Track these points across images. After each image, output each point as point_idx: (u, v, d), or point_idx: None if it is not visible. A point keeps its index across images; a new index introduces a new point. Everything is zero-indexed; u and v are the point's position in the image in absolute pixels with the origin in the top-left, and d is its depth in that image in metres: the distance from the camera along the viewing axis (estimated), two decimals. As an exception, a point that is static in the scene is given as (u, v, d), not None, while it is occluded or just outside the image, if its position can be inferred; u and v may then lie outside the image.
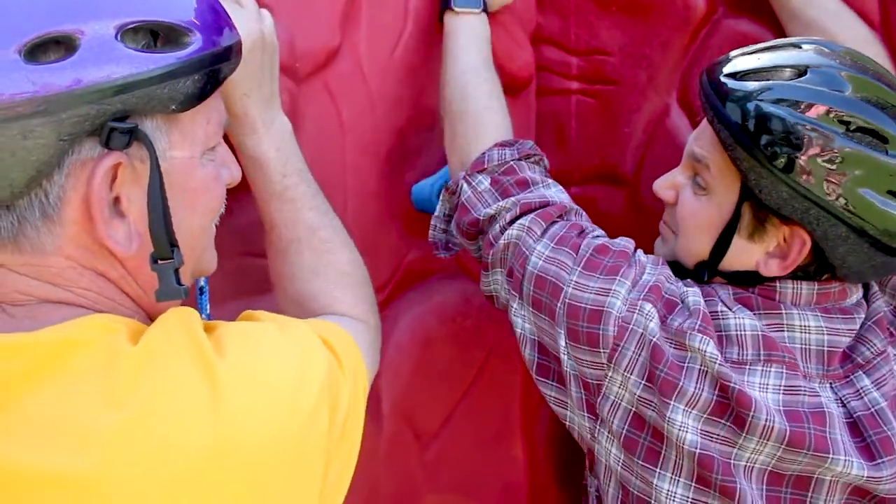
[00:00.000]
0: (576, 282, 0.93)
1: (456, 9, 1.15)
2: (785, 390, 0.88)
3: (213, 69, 0.68)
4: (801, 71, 0.90)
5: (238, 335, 0.68)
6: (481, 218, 1.02)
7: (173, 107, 0.66)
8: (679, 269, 1.01)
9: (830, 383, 0.91)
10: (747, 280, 0.96)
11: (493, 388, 1.36)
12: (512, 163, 1.04)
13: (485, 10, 1.16)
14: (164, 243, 0.67)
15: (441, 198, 1.12)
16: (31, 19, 0.59)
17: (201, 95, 0.68)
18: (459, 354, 1.32)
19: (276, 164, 0.92)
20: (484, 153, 1.05)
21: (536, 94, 1.39)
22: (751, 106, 0.89)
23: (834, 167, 0.86)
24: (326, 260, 0.94)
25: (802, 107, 0.87)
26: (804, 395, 0.88)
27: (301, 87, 1.10)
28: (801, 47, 0.93)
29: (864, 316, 0.95)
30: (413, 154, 1.25)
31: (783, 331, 0.92)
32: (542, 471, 1.45)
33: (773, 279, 0.93)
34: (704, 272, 0.98)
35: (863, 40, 1.11)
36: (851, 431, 0.89)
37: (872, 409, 0.89)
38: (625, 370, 0.90)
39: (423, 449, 1.31)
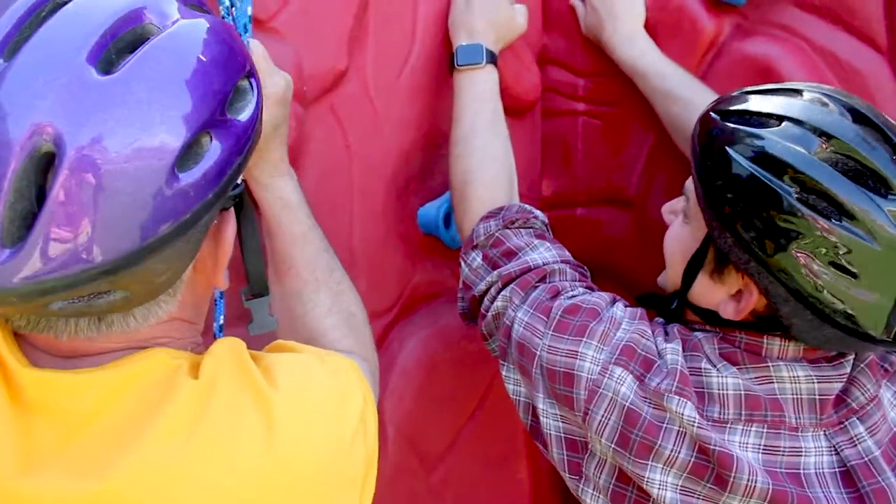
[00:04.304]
0: (548, 345, 0.93)
1: (459, 66, 1.16)
2: (764, 450, 0.86)
3: (262, 100, 0.70)
4: (778, 121, 0.85)
5: (287, 367, 0.71)
6: (477, 294, 1.05)
7: (254, 148, 0.68)
8: (661, 301, 1.01)
9: (824, 431, 0.89)
10: (711, 319, 0.94)
11: (497, 412, 1.35)
12: (497, 234, 1.05)
13: (491, 60, 1.17)
14: (263, 280, 0.70)
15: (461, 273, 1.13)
16: (166, 138, 0.58)
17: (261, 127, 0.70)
18: (464, 378, 1.32)
19: (301, 205, 0.94)
20: (473, 230, 1.08)
21: (542, 116, 1.40)
22: (715, 144, 0.87)
23: (775, 226, 0.82)
24: (339, 301, 0.96)
25: (760, 159, 0.83)
26: (783, 455, 0.86)
27: (308, 111, 1.10)
28: (801, 94, 0.88)
29: (853, 358, 0.92)
30: (419, 176, 1.25)
31: (772, 383, 0.88)
32: (546, 494, 1.45)
33: (761, 335, 0.90)
34: (675, 300, 0.98)
35: None
36: (844, 481, 0.87)
37: (866, 459, 0.87)
38: (595, 432, 0.89)
39: (428, 473, 1.30)
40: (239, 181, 0.66)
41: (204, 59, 0.62)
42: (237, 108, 0.65)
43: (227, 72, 0.63)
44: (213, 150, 0.61)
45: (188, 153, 0.59)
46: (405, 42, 1.20)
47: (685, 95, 1.18)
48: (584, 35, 1.34)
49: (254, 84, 0.67)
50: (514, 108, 1.31)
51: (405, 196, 1.24)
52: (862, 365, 0.92)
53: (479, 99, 1.15)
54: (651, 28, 1.29)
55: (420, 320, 1.28)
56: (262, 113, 0.68)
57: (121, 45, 0.59)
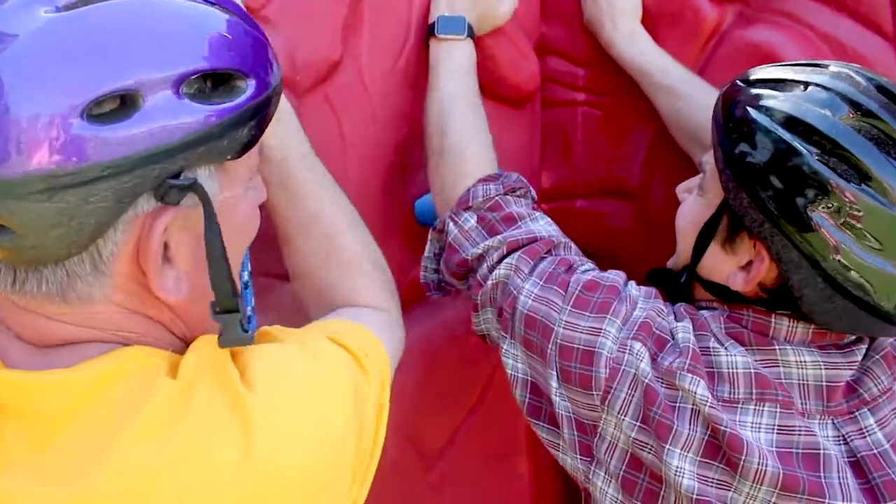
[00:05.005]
0: (566, 321, 0.90)
1: (439, 35, 1.13)
2: (779, 430, 0.84)
3: (266, 112, 0.65)
4: (804, 86, 0.85)
5: (264, 363, 0.67)
6: (469, 258, 1.00)
7: (229, 157, 0.64)
8: (669, 276, 0.99)
9: (833, 420, 0.87)
10: (720, 293, 0.93)
11: (498, 406, 1.33)
12: (497, 198, 1.01)
13: (471, 35, 1.14)
14: (228, 295, 0.64)
15: (429, 237, 1.09)
16: (91, 76, 0.55)
17: (254, 141, 0.65)
18: (464, 372, 1.30)
19: (271, 149, 0.88)
20: (468, 190, 1.03)
21: (542, 106, 1.38)
22: (739, 107, 0.87)
23: (793, 185, 0.81)
24: (334, 249, 0.92)
25: (782, 119, 0.83)
26: (799, 434, 0.84)
27: (302, 101, 1.09)
28: (827, 67, 0.88)
29: (865, 348, 0.89)
30: (416, 167, 1.23)
31: (778, 367, 0.87)
32: (547, 488, 1.43)
33: (769, 313, 0.89)
34: (685, 273, 0.96)
35: None
36: (855, 472, 0.85)
37: (876, 451, 0.85)
38: (619, 412, 0.87)
39: (428, 468, 1.29)
40: (189, 180, 0.60)
41: (173, 29, 0.59)
42: (211, 98, 0.60)
43: (204, 54, 0.60)
44: (142, 116, 0.56)
45: (107, 104, 0.55)
46: (400, 31, 1.18)
47: (689, 92, 1.17)
48: (584, 24, 1.32)
49: (249, 87, 0.62)
50: (512, 98, 1.29)
51: (401, 188, 1.22)
52: (877, 356, 0.90)
53: (459, 72, 1.12)
54: (653, 17, 1.27)
55: (418, 314, 1.26)
56: (245, 121, 0.63)
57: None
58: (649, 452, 0.86)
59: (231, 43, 0.62)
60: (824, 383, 0.86)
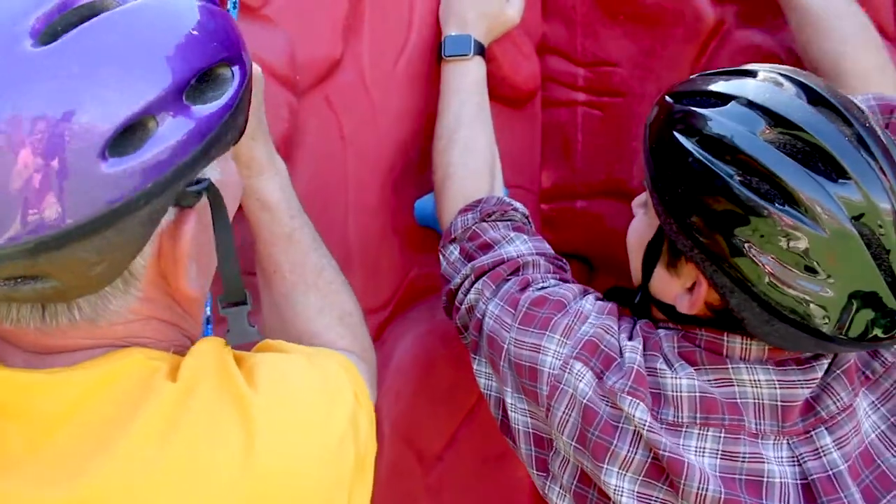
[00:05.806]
0: (515, 339, 0.90)
1: (446, 57, 1.15)
2: (723, 455, 0.82)
3: (249, 91, 0.65)
4: (725, 101, 0.80)
5: (270, 369, 0.67)
6: (453, 288, 1.02)
7: (232, 145, 0.64)
8: (627, 294, 0.98)
9: (788, 440, 0.83)
10: (671, 314, 0.90)
11: (497, 408, 1.32)
12: (474, 227, 1.04)
13: (479, 52, 1.15)
14: (239, 287, 0.65)
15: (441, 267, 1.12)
16: (103, 112, 0.53)
17: (246, 120, 0.65)
18: (462, 375, 1.29)
19: (283, 205, 0.90)
20: (450, 223, 1.07)
21: (542, 106, 1.37)
22: (661, 126, 0.83)
23: (717, 210, 0.77)
24: (332, 300, 0.93)
25: (701, 139, 0.79)
26: (742, 461, 0.81)
27: (301, 100, 1.07)
28: (756, 74, 0.83)
29: (827, 363, 0.85)
30: (416, 168, 1.23)
31: (732, 386, 0.83)
32: (546, 491, 1.42)
33: (721, 332, 0.85)
34: (639, 294, 0.95)
35: (872, 47, 1.08)
36: (805, 496, 0.81)
37: (830, 472, 0.81)
38: (556, 429, 0.86)
39: (426, 472, 1.28)
40: (205, 177, 0.61)
41: (161, 38, 0.57)
42: (206, 97, 0.59)
43: (194, 54, 0.58)
44: (160, 137, 0.56)
45: (125, 137, 0.54)
46: (401, 30, 1.17)
47: (829, 24, 1.09)
48: (585, 24, 1.31)
49: (236, 73, 0.62)
50: (513, 97, 1.29)
51: (402, 188, 1.21)
52: (838, 371, 0.85)
53: (464, 91, 1.13)
54: (653, 16, 1.27)
55: (417, 316, 1.25)
56: (243, 106, 0.63)
57: (72, 18, 0.55)
58: (587, 471, 0.85)
59: (212, 33, 0.61)
60: (779, 403, 0.83)
